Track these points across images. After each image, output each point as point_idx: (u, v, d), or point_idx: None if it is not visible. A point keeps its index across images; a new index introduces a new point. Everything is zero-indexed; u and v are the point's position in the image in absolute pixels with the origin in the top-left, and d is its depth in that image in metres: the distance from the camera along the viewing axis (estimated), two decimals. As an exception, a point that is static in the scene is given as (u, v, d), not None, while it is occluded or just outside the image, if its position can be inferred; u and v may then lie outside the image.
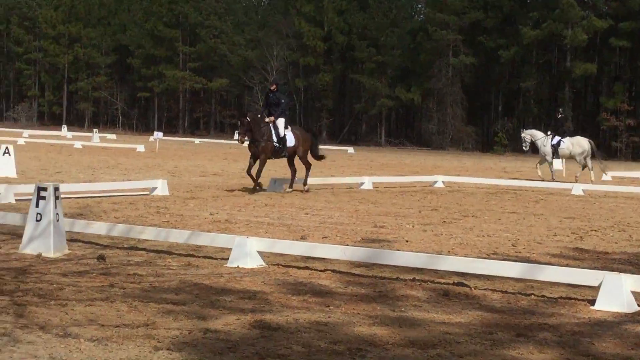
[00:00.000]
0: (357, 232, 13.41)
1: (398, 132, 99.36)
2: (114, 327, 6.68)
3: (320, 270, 9.76)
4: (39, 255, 9.97)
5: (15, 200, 16.04)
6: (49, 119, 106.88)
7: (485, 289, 8.96)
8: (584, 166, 30.00)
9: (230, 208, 16.60)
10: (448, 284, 9.20)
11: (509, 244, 12.69)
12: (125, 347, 6.15)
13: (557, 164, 31.95)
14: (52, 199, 10.11)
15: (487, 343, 6.67)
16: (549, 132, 30.87)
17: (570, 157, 30.45)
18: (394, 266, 9.64)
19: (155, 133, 52.83)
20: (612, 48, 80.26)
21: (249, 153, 20.74)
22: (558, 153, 30.02)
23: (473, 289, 8.97)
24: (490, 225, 15.21)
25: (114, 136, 70.08)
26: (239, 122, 21.44)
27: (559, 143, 29.86)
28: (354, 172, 31.78)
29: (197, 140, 71.77)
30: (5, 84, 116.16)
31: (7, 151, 22.87)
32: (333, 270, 9.77)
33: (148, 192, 19.01)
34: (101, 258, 9.91)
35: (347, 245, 11.18)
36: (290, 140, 21.07)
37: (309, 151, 21.80)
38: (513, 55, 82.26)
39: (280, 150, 20.95)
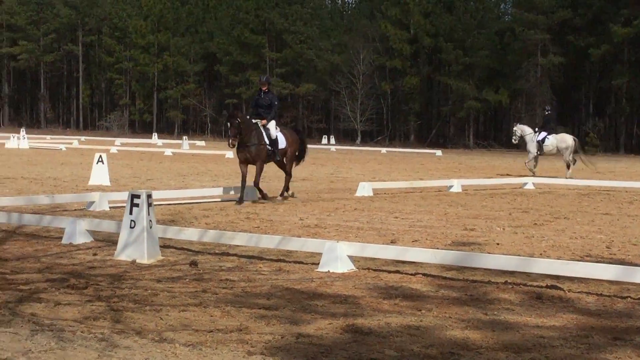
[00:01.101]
0: (447, 235, 13.34)
1: (486, 134, 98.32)
2: (207, 332, 6.76)
3: (411, 274, 9.73)
4: (133, 262, 10.15)
5: (110, 207, 16.38)
6: (140, 127, 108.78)
7: (579, 292, 8.82)
8: (573, 161, 30.34)
9: (319, 213, 16.65)
10: (541, 287, 9.09)
11: (603, 245, 12.46)
12: (219, 352, 6.22)
13: None
14: (145, 206, 10.28)
15: (582, 347, 6.56)
16: (536, 129, 31.43)
17: (556, 154, 31.17)
18: (486, 269, 9.57)
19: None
20: None
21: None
22: (543, 149, 30.49)
23: (567, 291, 8.84)
24: (582, 227, 14.96)
25: (203, 143, 70.89)
26: (228, 123, 18.73)
27: (544, 139, 30.50)
28: (442, 175, 31.60)
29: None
30: (98, 94, 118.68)
31: (100, 160, 23.36)
32: (424, 274, 9.73)
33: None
34: (194, 264, 10.05)
35: (438, 248, 11.12)
36: (282, 142, 19.52)
37: (297, 154, 20.33)
38: (603, 53, 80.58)
39: (273, 153, 19.36)
